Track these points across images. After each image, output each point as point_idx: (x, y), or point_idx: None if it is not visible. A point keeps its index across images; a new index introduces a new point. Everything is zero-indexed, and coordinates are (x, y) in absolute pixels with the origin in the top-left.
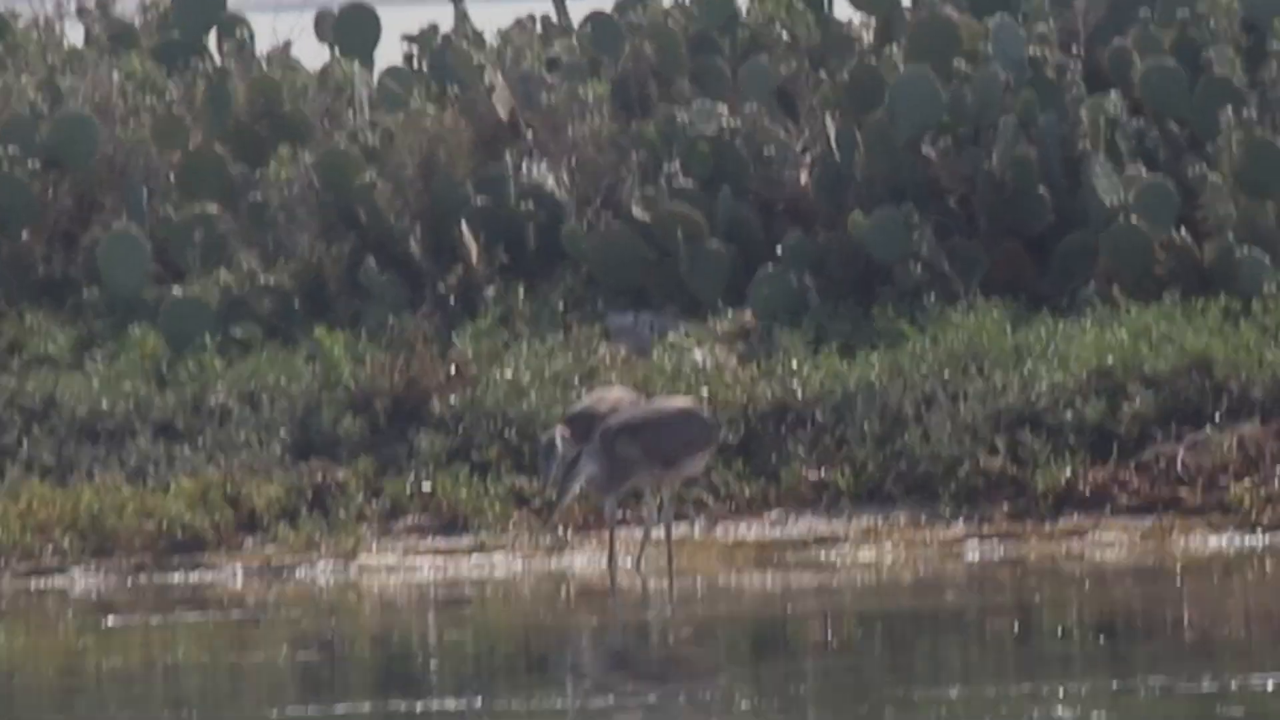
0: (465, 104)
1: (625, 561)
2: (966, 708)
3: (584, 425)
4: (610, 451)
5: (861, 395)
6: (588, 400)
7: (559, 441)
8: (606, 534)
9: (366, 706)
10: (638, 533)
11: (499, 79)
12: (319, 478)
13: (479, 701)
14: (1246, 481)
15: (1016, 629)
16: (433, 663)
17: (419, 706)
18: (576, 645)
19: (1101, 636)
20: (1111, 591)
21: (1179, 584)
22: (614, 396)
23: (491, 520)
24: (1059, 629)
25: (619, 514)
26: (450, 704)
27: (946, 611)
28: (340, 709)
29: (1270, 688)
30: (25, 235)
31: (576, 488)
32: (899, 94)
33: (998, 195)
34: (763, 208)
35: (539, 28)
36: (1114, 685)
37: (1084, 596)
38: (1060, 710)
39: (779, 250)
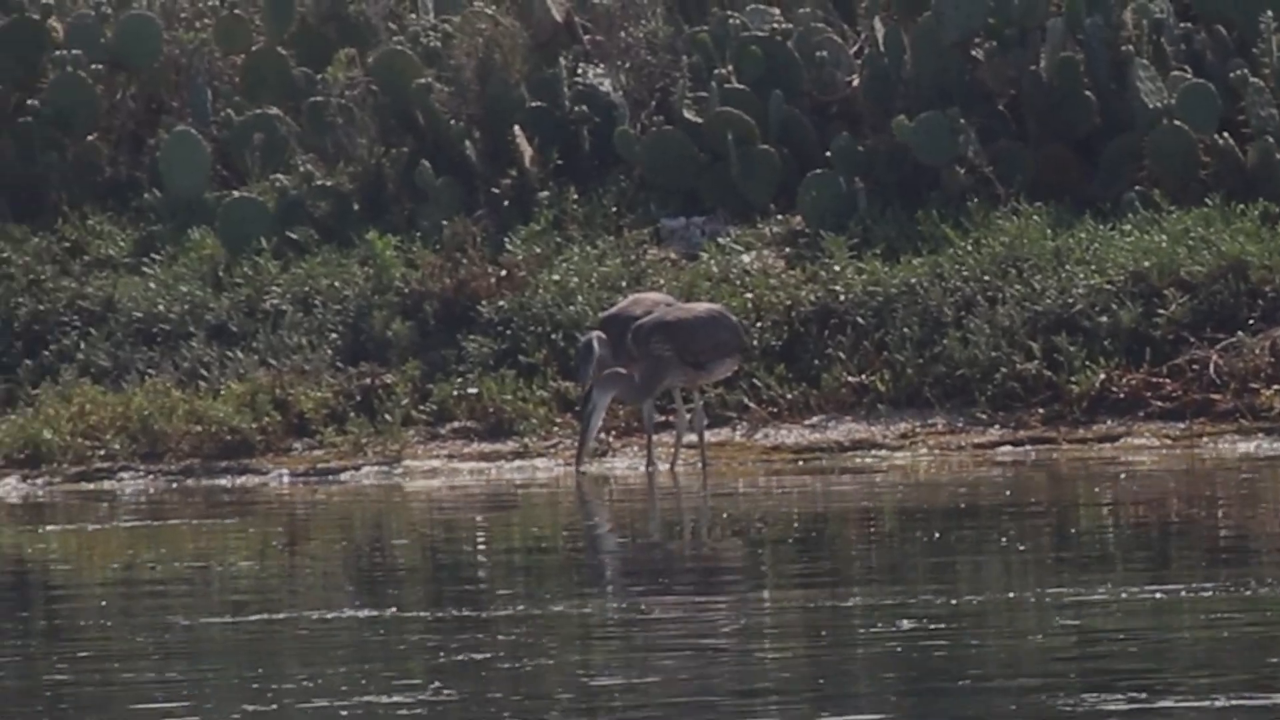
0: (521, 6)
1: (663, 465)
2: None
3: (619, 328)
4: (643, 350)
5: (902, 299)
6: (623, 303)
7: (595, 344)
8: (645, 438)
9: (412, 610)
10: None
11: None
12: (367, 381)
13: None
14: (1278, 386)
15: (1048, 531)
16: (475, 568)
17: (464, 610)
18: (614, 549)
19: (1134, 540)
20: (1143, 495)
21: (1211, 488)
22: (649, 300)
23: (536, 424)
24: (1091, 532)
25: (657, 418)
26: (495, 610)
27: (977, 515)
28: (388, 613)
29: None
30: (91, 138)
31: (598, 424)
32: None
33: (1044, 98)
34: (815, 111)
35: None
36: (1149, 589)
37: (1116, 500)
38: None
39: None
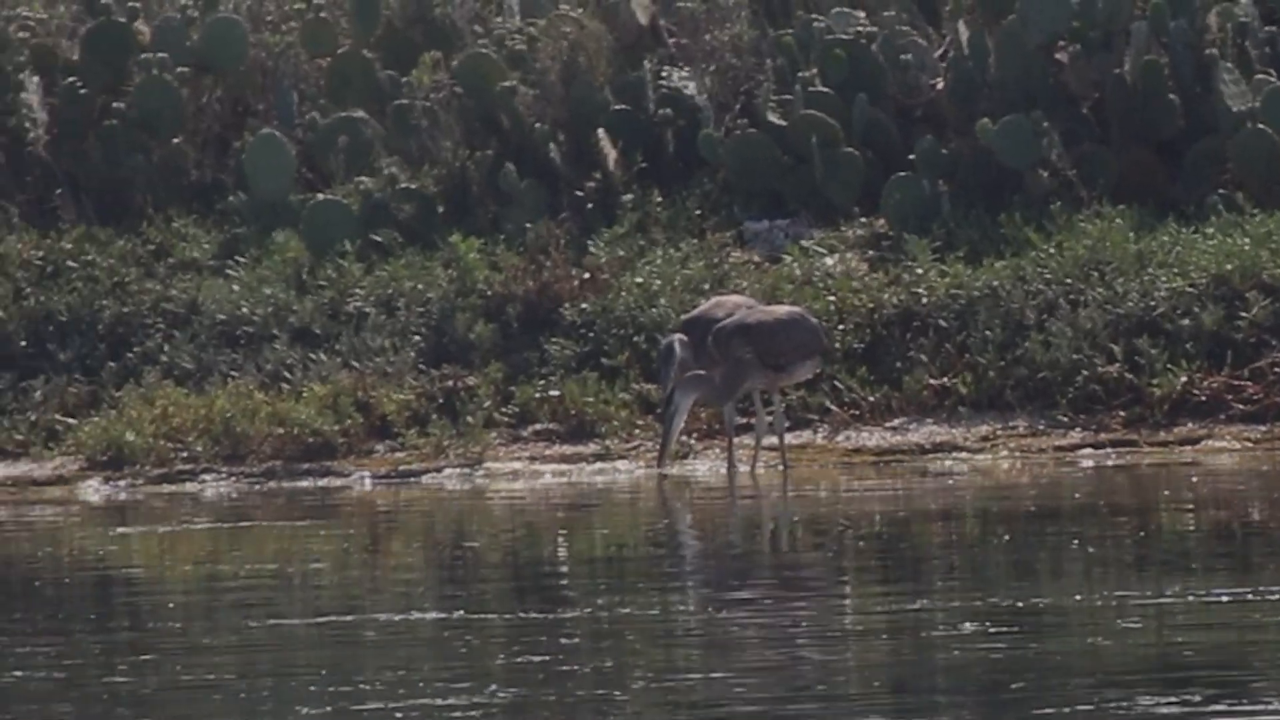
0: (606, 10)
1: (743, 467)
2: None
3: (700, 331)
4: (724, 353)
5: (984, 302)
6: (705, 306)
7: (677, 347)
8: (726, 441)
9: (480, 612)
10: (766, 439)
11: None
12: (449, 383)
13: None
14: None
15: (1130, 534)
16: (550, 570)
17: (545, 614)
18: (695, 551)
19: (1216, 542)
20: (1224, 498)
21: None
22: (731, 302)
23: (617, 427)
24: (1173, 534)
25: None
26: (574, 611)
27: (1054, 518)
28: (455, 615)
29: None
30: (176, 141)
31: (679, 426)
32: (1031, 0)
33: (1128, 101)
34: (900, 114)
35: None
36: (1220, 591)
37: (1197, 503)
38: (1159, 614)
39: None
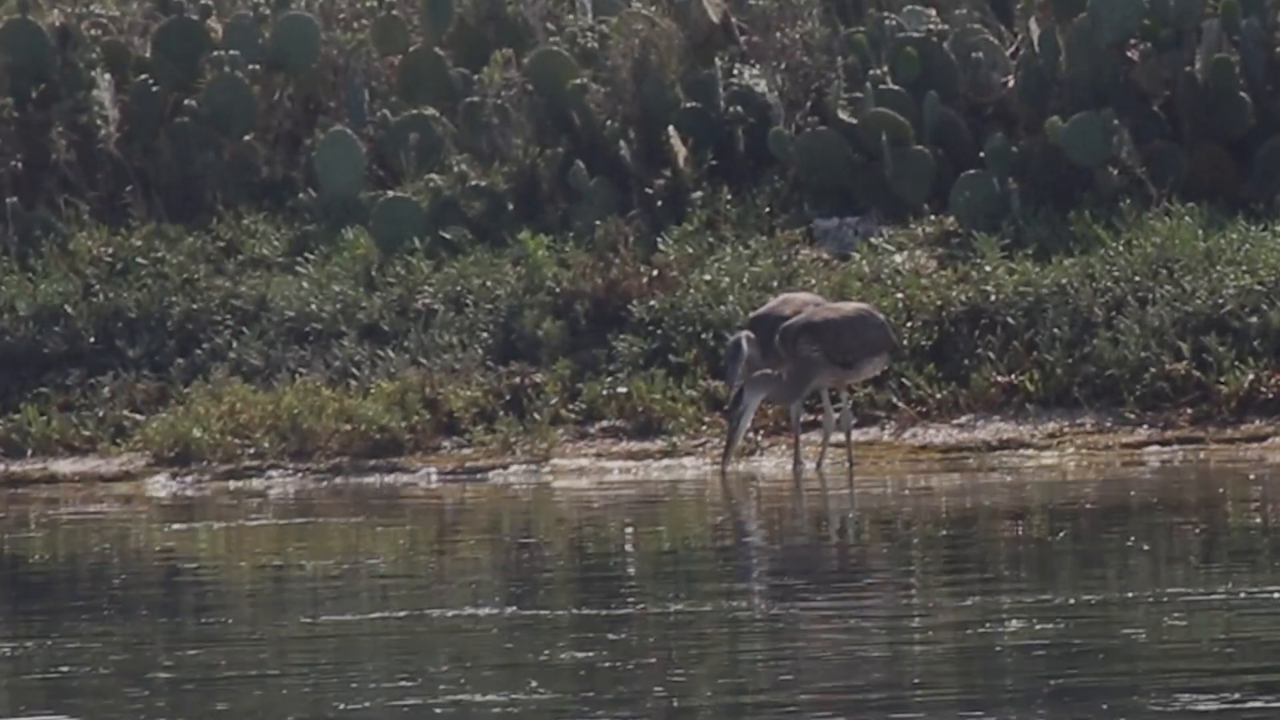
0: (678, 7)
1: (810, 464)
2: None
3: (768, 328)
4: (792, 351)
5: (1052, 300)
6: (772, 303)
7: (744, 344)
8: (793, 438)
9: (533, 609)
10: (833, 436)
11: None
12: (517, 380)
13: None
14: None
15: (1197, 531)
16: (609, 567)
17: (611, 609)
18: (761, 549)
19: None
20: None
21: None
22: (799, 300)
23: (685, 424)
24: (1240, 532)
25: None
26: (615, 609)
27: (1117, 515)
28: (530, 611)
29: None
30: (247, 138)
31: (747, 425)
32: None
33: (1198, 99)
34: (971, 112)
35: None
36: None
37: (1265, 500)
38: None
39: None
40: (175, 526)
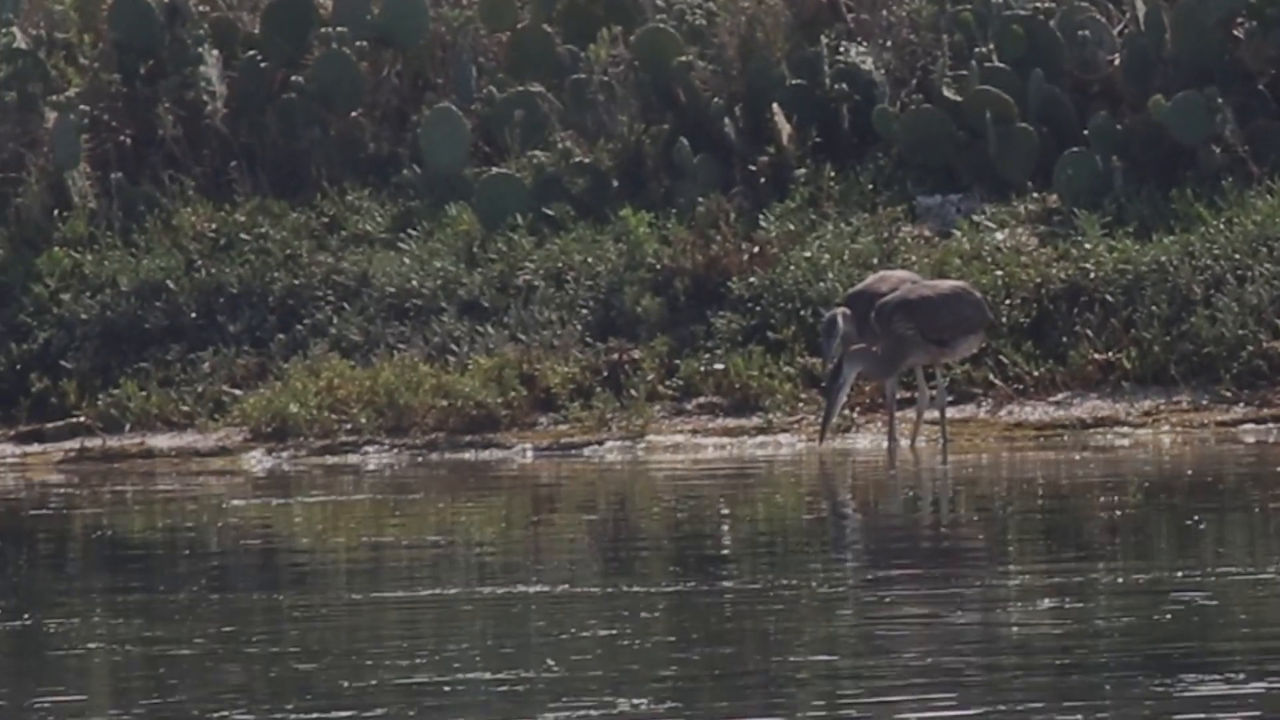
0: None
1: (904, 441)
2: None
3: (864, 305)
4: (887, 328)
5: (1151, 277)
6: (869, 280)
7: (840, 320)
8: (887, 414)
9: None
10: (927, 414)
11: None
12: (615, 357)
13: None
14: None
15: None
16: (682, 543)
17: (707, 585)
18: (854, 526)
19: None
20: None
21: None
22: (895, 277)
23: (781, 400)
24: None
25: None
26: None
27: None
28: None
29: None
30: (355, 114)
31: (843, 399)
32: None
33: None
34: (1076, 89)
35: None
36: None
37: None
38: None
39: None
40: (267, 501)
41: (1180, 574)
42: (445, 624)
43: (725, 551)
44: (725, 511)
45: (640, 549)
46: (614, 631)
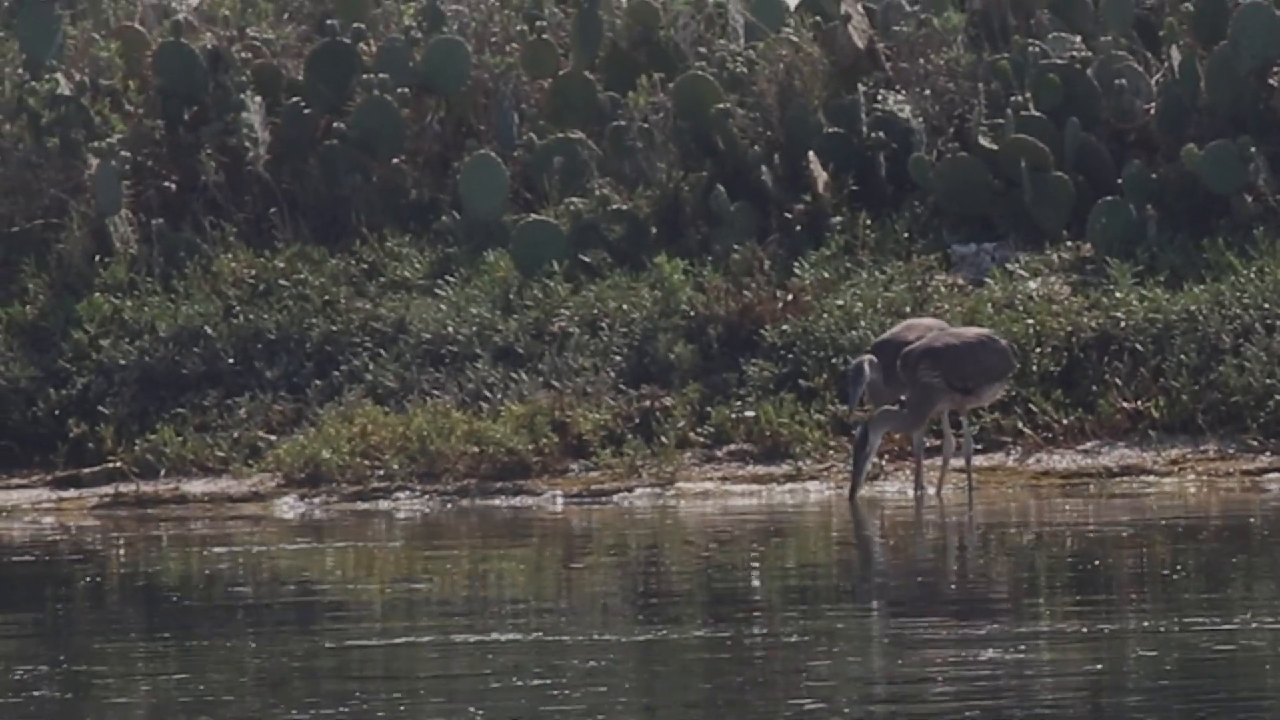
0: (825, 33)
1: (931, 489)
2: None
3: (891, 353)
4: (912, 376)
5: (1181, 326)
6: (897, 328)
7: (866, 368)
8: (915, 462)
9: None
10: (953, 461)
11: (857, 8)
12: (646, 404)
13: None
14: None
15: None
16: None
17: (736, 630)
18: (881, 572)
19: None
20: None
21: None
22: (923, 325)
23: (811, 448)
24: None
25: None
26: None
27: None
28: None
29: None
30: (396, 161)
31: (869, 464)
32: (1242, 24)
33: None
34: (1113, 138)
35: None
36: None
37: None
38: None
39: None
40: (296, 546)
41: (1206, 621)
42: (477, 667)
43: (756, 597)
44: (755, 558)
45: (672, 596)
46: (648, 675)
